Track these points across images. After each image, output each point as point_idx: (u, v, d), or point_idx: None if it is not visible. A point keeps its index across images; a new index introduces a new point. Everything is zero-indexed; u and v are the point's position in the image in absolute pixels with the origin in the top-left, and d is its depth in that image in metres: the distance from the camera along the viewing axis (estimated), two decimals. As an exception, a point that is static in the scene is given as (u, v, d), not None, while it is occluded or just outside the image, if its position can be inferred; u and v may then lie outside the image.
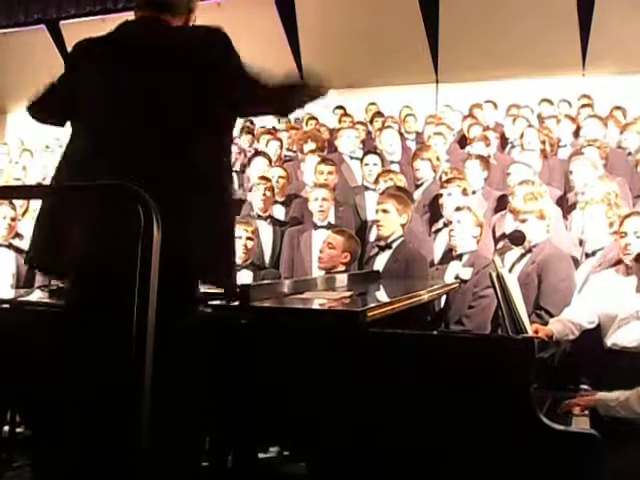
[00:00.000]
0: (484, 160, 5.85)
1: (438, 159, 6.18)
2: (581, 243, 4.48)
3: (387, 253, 4.48)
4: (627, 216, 3.68)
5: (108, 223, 1.94)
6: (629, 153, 6.36)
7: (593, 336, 3.45)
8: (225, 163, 2.32)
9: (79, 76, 2.28)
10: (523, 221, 4.18)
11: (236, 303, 2.33)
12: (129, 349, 1.57)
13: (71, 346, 2.07)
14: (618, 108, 8.01)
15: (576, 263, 4.27)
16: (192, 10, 2.41)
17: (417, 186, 6.00)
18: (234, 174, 7.14)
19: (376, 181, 5.63)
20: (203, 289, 3.09)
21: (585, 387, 3.07)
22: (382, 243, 4.55)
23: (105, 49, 2.27)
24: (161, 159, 2.09)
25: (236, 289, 2.35)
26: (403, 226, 4.56)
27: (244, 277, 4.65)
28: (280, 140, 7.69)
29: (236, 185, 6.88)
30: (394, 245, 4.48)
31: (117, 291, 1.92)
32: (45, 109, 2.46)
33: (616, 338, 3.35)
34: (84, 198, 1.93)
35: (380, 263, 4.45)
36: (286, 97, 2.39)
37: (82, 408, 2.03)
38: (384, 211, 4.53)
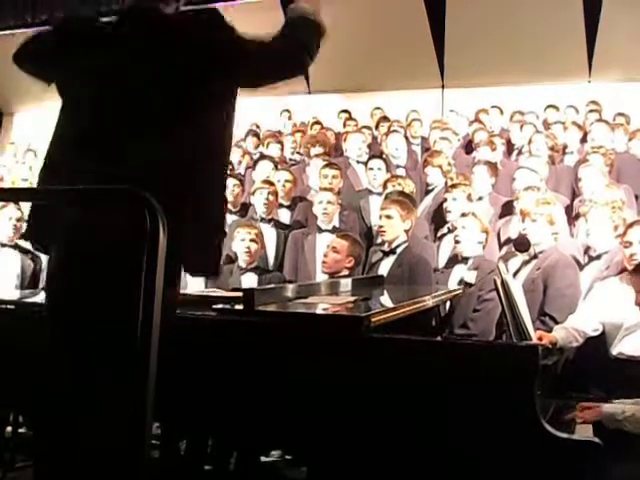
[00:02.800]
0: (492, 166, 5.84)
1: (449, 164, 6.19)
2: (586, 251, 4.47)
3: (391, 258, 4.48)
4: (630, 225, 3.67)
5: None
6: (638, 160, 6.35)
7: (597, 344, 3.45)
8: (221, 154, 2.25)
9: (69, 51, 2.27)
10: (533, 220, 4.17)
11: (240, 307, 2.33)
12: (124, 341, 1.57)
13: (63, 338, 2.07)
14: (621, 115, 8.01)
15: (580, 267, 4.26)
16: None
17: (427, 192, 6.00)
18: (238, 179, 7.15)
19: (384, 186, 5.63)
20: (206, 292, 3.10)
21: (590, 395, 3.05)
22: (386, 248, 4.55)
23: (97, 32, 2.25)
24: (149, 147, 2.06)
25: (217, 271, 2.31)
26: (407, 232, 4.56)
27: (248, 280, 4.65)
28: (281, 143, 7.68)
29: (239, 188, 6.88)
30: (398, 250, 4.48)
31: (106, 279, 1.94)
32: (32, 60, 2.45)
33: (622, 347, 3.34)
34: (88, 201, 1.92)
35: (384, 268, 4.45)
36: (292, 42, 2.29)
37: (83, 406, 2.03)
38: (387, 217, 4.53)
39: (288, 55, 2.28)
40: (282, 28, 2.30)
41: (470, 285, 4.22)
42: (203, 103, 2.15)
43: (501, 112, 8.97)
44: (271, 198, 5.43)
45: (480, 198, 5.51)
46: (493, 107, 9.02)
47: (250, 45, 2.21)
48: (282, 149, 7.53)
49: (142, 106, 2.10)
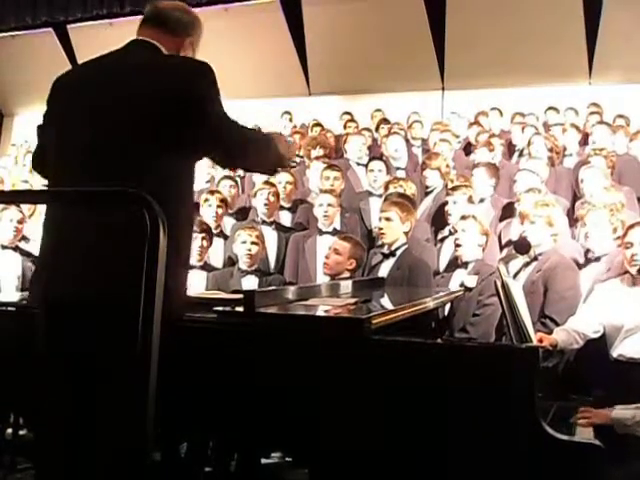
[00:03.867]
0: (492, 167, 5.84)
1: (448, 167, 6.19)
2: (587, 253, 4.46)
3: (391, 260, 4.48)
4: (631, 227, 3.66)
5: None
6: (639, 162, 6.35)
7: (597, 346, 3.44)
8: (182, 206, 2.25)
9: (51, 114, 2.33)
10: (532, 222, 4.17)
11: (241, 309, 2.33)
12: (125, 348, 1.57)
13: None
14: (621, 117, 8.02)
15: (580, 269, 4.26)
16: (190, 35, 2.42)
17: (426, 193, 6.01)
18: (239, 179, 7.16)
19: (385, 188, 5.64)
20: (207, 294, 3.10)
21: (590, 398, 3.05)
22: (386, 251, 4.55)
23: (79, 83, 2.30)
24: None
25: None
26: (406, 234, 4.56)
27: (249, 283, 4.65)
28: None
29: (240, 190, 6.89)
30: (398, 253, 4.48)
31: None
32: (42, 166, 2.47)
33: (623, 349, 3.34)
34: (87, 202, 1.92)
35: (384, 270, 4.45)
36: (265, 152, 2.41)
37: (84, 409, 2.03)
38: (387, 219, 4.53)
39: (245, 151, 2.37)
40: (265, 134, 2.49)
41: (470, 289, 4.22)
42: (167, 153, 2.16)
43: (501, 114, 8.98)
44: (272, 199, 5.43)
45: (482, 200, 5.51)
46: (493, 109, 9.03)
47: (222, 118, 2.24)
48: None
49: (111, 158, 2.12)
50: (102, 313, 1.98)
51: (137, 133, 2.12)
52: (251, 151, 2.39)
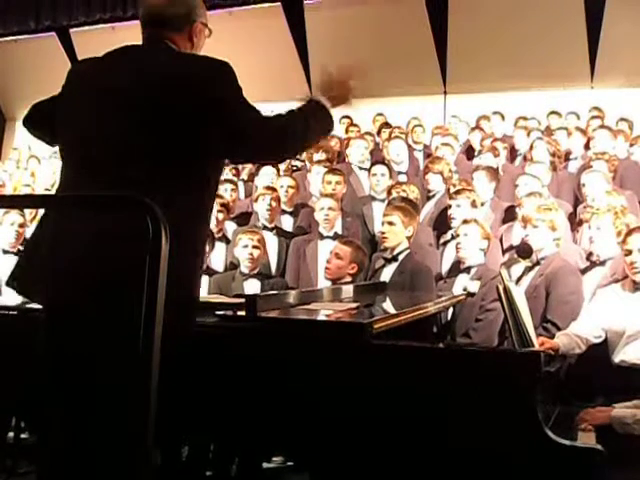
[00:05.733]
0: (492, 171, 5.85)
1: (450, 171, 6.19)
2: (588, 257, 4.46)
3: (393, 265, 4.48)
4: (629, 233, 3.65)
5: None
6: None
7: (599, 351, 3.44)
8: (201, 219, 2.22)
9: (65, 104, 2.28)
10: (535, 227, 4.16)
11: (243, 313, 2.33)
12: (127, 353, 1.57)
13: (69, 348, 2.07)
14: (624, 120, 8.02)
15: (582, 273, 4.26)
16: (195, 21, 2.32)
17: (428, 198, 6.01)
18: (241, 183, 7.17)
19: (388, 192, 5.64)
20: (209, 298, 3.10)
21: (592, 403, 3.04)
22: (388, 255, 4.55)
23: (95, 79, 2.22)
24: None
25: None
26: (409, 238, 4.56)
27: (251, 286, 4.65)
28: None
29: (242, 195, 6.90)
30: (400, 257, 4.48)
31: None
32: (36, 127, 2.47)
33: (625, 354, 3.33)
34: (90, 207, 1.92)
35: (386, 275, 4.45)
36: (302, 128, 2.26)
37: (86, 412, 2.03)
38: (390, 223, 4.53)
39: (279, 142, 2.23)
40: (290, 112, 2.27)
41: (472, 294, 4.22)
42: (191, 159, 2.12)
43: (502, 118, 8.98)
44: (274, 204, 5.43)
45: (482, 204, 5.51)
46: (495, 113, 9.02)
47: (249, 115, 2.15)
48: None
49: (132, 158, 2.08)
50: (105, 317, 1.98)
51: (156, 136, 2.08)
52: (290, 137, 2.25)
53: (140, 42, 2.33)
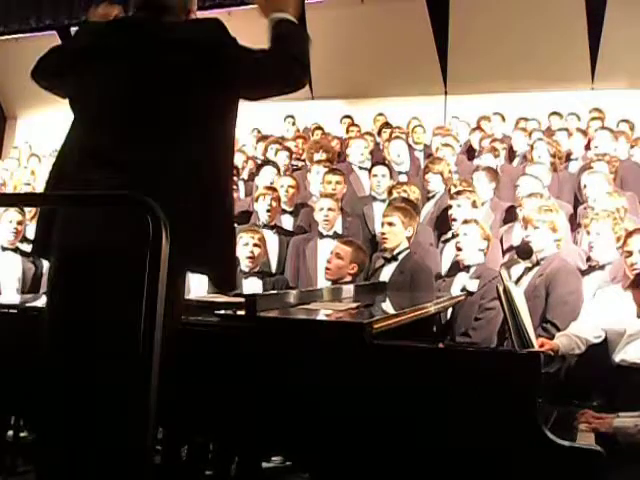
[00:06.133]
0: (491, 171, 5.85)
1: (450, 172, 6.19)
2: (588, 259, 4.46)
3: (393, 265, 4.48)
4: (630, 235, 3.65)
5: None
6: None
7: (599, 351, 3.44)
8: (223, 159, 2.25)
9: (77, 61, 2.28)
10: (536, 228, 4.16)
11: (242, 313, 2.33)
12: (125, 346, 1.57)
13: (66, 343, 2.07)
14: (625, 121, 8.02)
15: (582, 274, 4.25)
16: (191, 10, 2.38)
17: (428, 198, 6.01)
18: (242, 182, 7.17)
19: (389, 193, 5.63)
20: (209, 298, 3.10)
21: (592, 403, 3.05)
22: (388, 255, 4.55)
23: (103, 41, 2.25)
24: (153, 155, 2.08)
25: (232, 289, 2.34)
26: (409, 239, 4.56)
27: (251, 285, 4.65)
28: (289, 150, 7.70)
29: (243, 194, 6.90)
30: (400, 257, 4.48)
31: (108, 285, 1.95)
32: (46, 78, 2.45)
33: (625, 354, 3.33)
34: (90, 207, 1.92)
35: (386, 275, 4.45)
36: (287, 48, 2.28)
37: (84, 411, 2.03)
38: (390, 224, 4.53)
39: (288, 71, 2.26)
40: (274, 42, 2.30)
41: (472, 294, 4.22)
42: (205, 111, 2.16)
43: (503, 119, 8.97)
44: (274, 204, 5.42)
45: (482, 204, 5.51)
46: (495, 114, 9.02)
47: (251, 57, 2.21)
48: (290, 156, 7.55)
49: (147, 115, 2.12)
50: (104, 317, 1.98)
51: (169, 95, 2.12)
52: (296, 57, 2.28)
53: None
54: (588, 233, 4.25)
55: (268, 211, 5.37)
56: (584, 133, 7.24)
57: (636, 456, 2.65)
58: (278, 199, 5.51)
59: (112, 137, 2.11)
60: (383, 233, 4.60)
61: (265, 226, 5.32)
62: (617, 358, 3.37)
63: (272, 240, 5.30)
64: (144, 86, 2.13)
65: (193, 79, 2.14)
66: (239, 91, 2.24)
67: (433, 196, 5.98)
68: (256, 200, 5.55)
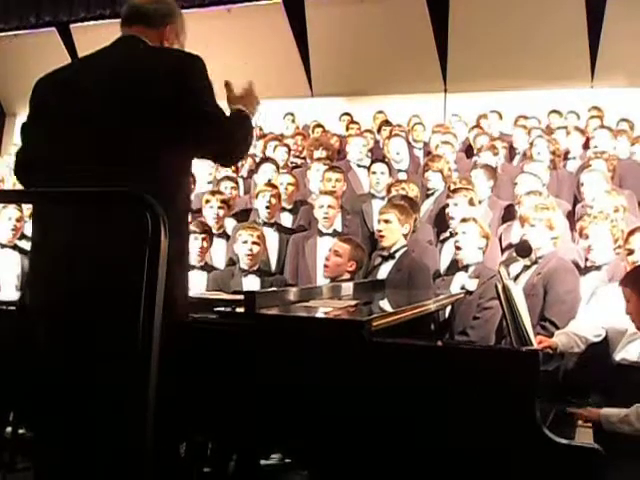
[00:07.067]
0: (489, 169, 5.85)
1: (450, 169, 6.19)
2: (587, 259, 4.45)
3: (390, 263, 4.48)
4: (631, 233, 3.65)
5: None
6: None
7: (598, 350, 3.44)
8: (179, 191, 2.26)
9: (39, 115, 2.33)
10: (532, 226, 4.16)
11: (241, 310, 2.33)
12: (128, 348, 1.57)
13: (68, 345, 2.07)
14: (625, 120, 8.01)
15: (580, 273, 4.24)
16: (170, 24, 2.42)
17: (427, 196, 6.01)
18: (241, 180, 7.16)
19: (388, 190, 5.64)
20: (207, 295, 3.09)
21: (589, 401, 3.05)
22: (385, 253, 4.55)
23: (64, 86, 2.28)
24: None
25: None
26: (405, 236, 4.56)
27: (250, 283, 4.65)
28: (288, 147, 7.70)
29: (242, 191, 6.90)
30: (397, 255, 4.48)
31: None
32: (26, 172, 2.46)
33: (626, 353, 3.33)
34: (88, 203, 1.91)
35: (384, 273, 4.45)
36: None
37: (83, 410, 2.03)
38: (386, 221, 4.54)
39: (229, 139, 2.31)
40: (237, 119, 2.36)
41: (471, 292, 4.22)
42: (159, 141, 2.15)
43: (500, 117, 8.97)
44: (274, 201, 5.42)
45: (480, 202, 5.51)
46: (492, 112, 9.02)
47: (208, 118, 2.21)
48: (289, 152, 7.56)
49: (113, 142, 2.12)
50: (103, 312, 1.98)
51: (134, 128, 2.12)
52: (240, 141, 2.36)
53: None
54: (587, 236, 4.22)
55: (268, 207, 5.37)
56: (581, 132, 7.24)
57: (635, 455, 2.66)
58: (278, 196, 5.51)
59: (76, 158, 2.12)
60: (380, 230, 4.60)
61: (265, 224, 5.33)
62: (618, 357, 3.37)
63: (272, 238, 5.30)
64: (105, 125, 2.13)
65: (156, 120, 2.13)
66: (186, 141, 2.22)
67: (432, 194, 5.99)
68: (256, 197, 5.56)
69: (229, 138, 2.28)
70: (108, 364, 1.94)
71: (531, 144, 6.67)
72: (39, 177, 2.25)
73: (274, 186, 5.60)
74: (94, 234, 1.99)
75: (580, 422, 2.75)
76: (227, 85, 2.48)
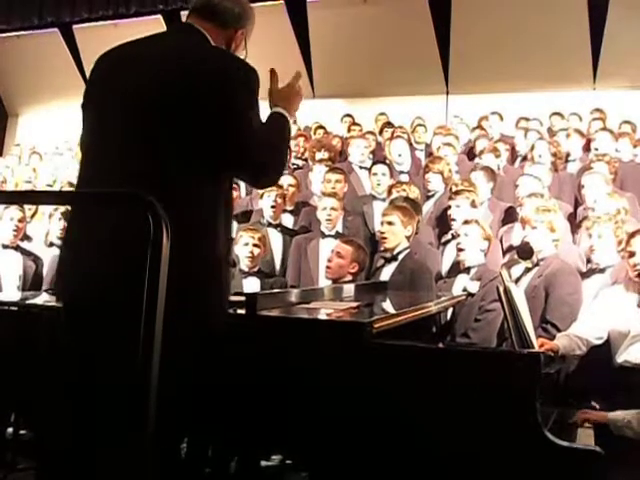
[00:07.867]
0: (489, 171, 5.83)
1: (450, 171, 6.18)
2: (589, 260, 4.45)
3: (393, 265, 4.48)
4: (633, 235, 3.64)
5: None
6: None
7: (600, 352, 3.44)
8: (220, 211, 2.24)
9: (90, 95, 2.27)
10: (534, 228, 4.16)
11: (243, 312, 2.33)
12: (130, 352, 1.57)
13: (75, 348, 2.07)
14: (627, 122, 8.00)
15: (582, 275, 4.24)
16: (242, 27, 2.33)
17: (428, 197, 6.00)
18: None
19: (389, 192, 5.63)
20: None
21: (593, 404, 3.05)
22: (388, 255, 4.54)
23: (117, 70, 2.21)
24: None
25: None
26: (408, 238, 4.55)
27: (251, 284, 4.65)
28: (289, 148, 7.69)
29: (243, 193, 6.89)
30: (400, 257, 4.48)
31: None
32: None
33: (628, 355, 3.33)
34: (91, 204, 1.91)
35: (386, 274, 4.44)
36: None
37: (85, 410, 2.03)
38: (389, 223, 4.53)
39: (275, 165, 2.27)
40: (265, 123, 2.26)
41: (472, 295, 4.22)
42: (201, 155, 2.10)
43: (501, 118, 8.95)
44: (279, 201, 5.43)
45: (480, 204, 5.50)
46: (493, 113, 9.00)
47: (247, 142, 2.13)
48: (290, 154, 7.56)
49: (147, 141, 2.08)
50: (112, 314, 1.98)
51: (166, 130, 2.06)
52: (270, 170, 2.27)
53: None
54: (590, 236, 4.23)
55: (273, 207, 5.37)
56: (582, 134, 7.22)
57: (636, 456, 2.66)
58: (283, 196, 5.52)
59: (108, 176, 2.05)
60: (382, 232, 4.59)
61: (270, 225, 5.33)
62: (620, 359, 3.37)
63: (277, 238, 5.30)
64: (140, 119, 2.08)
65: (191, 129, 2.06)
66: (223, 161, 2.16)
67: (433, 195, 5.98)
68: (260, 197, 5.56)
69: (261, 170, 2.21)
70: (116, 368, 1.94)
71: (532, 146, 6.65)
72: (83, 163, 2.21)
73: (279, 186, 5.59)
74: (121, 232, 1.98)
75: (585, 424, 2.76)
76: (272, 75, 2.36)
